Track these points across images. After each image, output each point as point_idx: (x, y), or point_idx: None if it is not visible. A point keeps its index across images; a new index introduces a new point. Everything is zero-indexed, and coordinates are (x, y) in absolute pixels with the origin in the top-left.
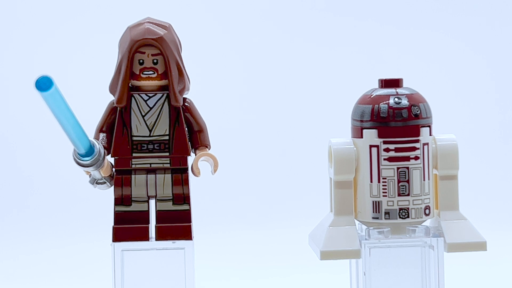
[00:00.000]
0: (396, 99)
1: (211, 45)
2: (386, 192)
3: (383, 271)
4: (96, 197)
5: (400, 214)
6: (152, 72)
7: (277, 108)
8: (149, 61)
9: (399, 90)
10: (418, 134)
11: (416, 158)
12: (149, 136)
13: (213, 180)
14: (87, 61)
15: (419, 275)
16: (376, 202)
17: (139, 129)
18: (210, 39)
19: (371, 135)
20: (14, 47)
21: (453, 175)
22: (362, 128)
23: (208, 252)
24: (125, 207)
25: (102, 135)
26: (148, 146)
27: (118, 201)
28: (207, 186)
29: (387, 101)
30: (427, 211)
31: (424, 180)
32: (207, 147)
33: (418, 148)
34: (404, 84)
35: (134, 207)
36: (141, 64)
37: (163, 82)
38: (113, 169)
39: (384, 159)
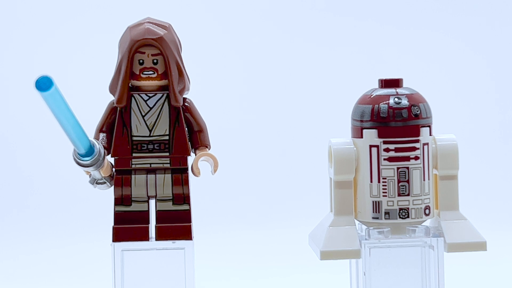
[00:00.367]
0: (396, 99)
1: (211, 45)
2: (386, 192)
3: (383, 271)
4: (96, 197)
5: (400, 214)
6: (152, 72)
7: (277, 108)
8: (149, 61)
9: (399, 90)
10: (418, 134)
11: (416, 158)
12: (149, 136)
13: (213, 180)
14: (87, 61)
15: (419, 275)
16: (376, 202)
17: (139, 129)
18: (210, 39)
19: (371, 135)
20: (14, 47)
21: (453, 175)
22: (362, 128)
23: (208, 252)
24: (125, 207)
25: (102, 135)
26: (148, 146)
27: (118, 201)
28: (207, 186)
29: (387, 101)
30: (427, 211)
31: (424, 180)
32: (207, 147)
33: (418, 148)
34: (404, 84)
35: (134, 207)
36: (141, 64)
37: (163, 82)
38: (113, 169)
39: (384, 159)
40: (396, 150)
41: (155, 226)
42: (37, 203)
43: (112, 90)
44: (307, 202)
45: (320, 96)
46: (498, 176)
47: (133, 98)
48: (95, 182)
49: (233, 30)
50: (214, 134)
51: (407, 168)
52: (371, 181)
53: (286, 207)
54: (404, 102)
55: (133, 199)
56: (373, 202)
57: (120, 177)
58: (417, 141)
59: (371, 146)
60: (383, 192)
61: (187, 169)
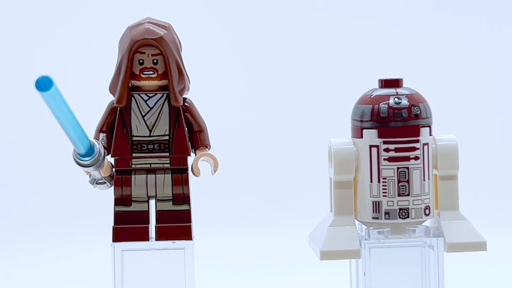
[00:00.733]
0: (396, 99)
1: (211, 45)
2: (386, 192)
3: (383, 271)
4: (96, 197)
5: (400, 214)
6: (152, 72)
7: (277, 108)
8: (149, 61)
9: (399, 90)
10: (418, 134)
11: (416, 158)
12: (149, 136)
13: (213, 180)
14: (87, 61)
15: (419, 275)
16: (376, 202)
17: (139, 129)
18: (210, 39)
19: (371, 135)
20: (14, 47)
21: (453, 175)
22: (362, 128)
23: (208, 252)
24: (125, 207)
25: (102, 135)
26: (148, 146)
27: (118, 201)
28: (207, 186)
29: (387, 101)
30: (427, 211)
31: (424, 180)
32: (207, 147)
33: (418, 148)
34: (404, 84)
35: (134, 207)
36: (141, 64)
37: (163, 82)
38: (113, 169)
39: (384, 159)
40: (396, 150)
41: (155, 226)
42: (37, 203)
43: (112, 90)
44: (307, 202)
45: (320, 96)
46: (498, 176)
47: (133, 98)
48: (95, 182)
49: (233, 30)
50: (214, 134)
51: (407, 168)
52: (371, 181)
53: (286, 207)
54: (404, 102)
55: (133, 199)
56: (373, 202)
57: (120, 177)
58: (417, 141)
59: (371, 146)
60: (383, 192)
61: (187, 169)
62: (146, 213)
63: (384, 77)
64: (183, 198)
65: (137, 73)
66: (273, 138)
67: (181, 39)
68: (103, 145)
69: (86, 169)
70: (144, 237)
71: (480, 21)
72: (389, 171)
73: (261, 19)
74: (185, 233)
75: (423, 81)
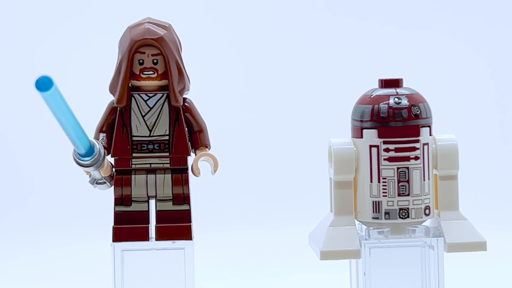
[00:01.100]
0: (396, 99)
1: (211, 45)
2: (386, 192)
3: (383, 271)
4: (96, 197)
5: (400, 214)
6: (152, 72)
7: (277, 108)
8: (149, 61)
9: (399, 90)
10: (418, 134)
11: (416, 158)
12: (149, 136)
13: (213, 180)
14: (87, 61)
15: (419, 275)
16: (376, 202)
17: (139, 129)
18: (210, 39)
19: (371, 135)
20: (14, 47)
21: (453, 175)
22: (362, 128)
23: (208, 252)
24: (125, 207)
25: (102, 135)
26: (148, 146)
27: (118, 201)
28: (207, 186)
29: (387, 101)
30: (427, 211)
31: (424, 180)
32: (207, 147)
33: (418, 148)
34: (404, 84)
35: (134, 207)
36: (141, 64)
37: (163, 82)
38: (113, 169)
39: (384, 159)
40: (396, 150)
41: (155, 226)
42: (37, 203)
43: (112, 90)
44: (307, 202)
45: (320, 96)
46: (498, 176)
47: (133, 98)
48: (95, 182)
49: (233, 30)
50: (214, 134)
51: (407, 168)
52: (371, 181)
53: (286, 207)
54: (404, 102)
55: (133, 199)
56: (373, 202)
57: (120, 177)
58: (417, 141)
59: (371, 146)
60: (383, 192)
61: (187, 169)
62: (146, 213)
63: (384, 77)
64: (183, 198)
65: (137, 73)
66: (273, 138)
67: (181, 39)
68: (103, 145)
69: (86, 169)
70: (144, 237)
71: (480, 21)
72: (389, 171)
73: (261, 19)
74: (185, 233)
75: (423, 81)
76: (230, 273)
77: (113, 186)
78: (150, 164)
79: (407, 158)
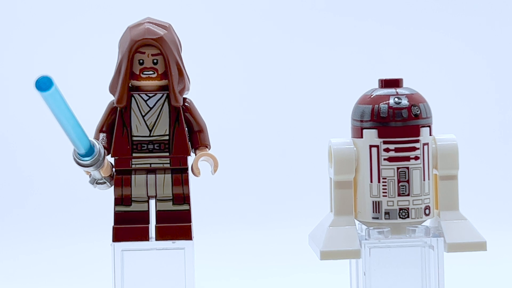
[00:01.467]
0: (396, 99)
1: (211, 45)
2: (386, 192)
3: (383, 271)
4: (96, 197)
5: (400, 214)
6: (152, 72)
7: (277, 108)
8: (149, 61)
9: (399, 90)
10: (418, 134)
11: (416, 158)
12: (149, 136)
13: (213, 180)
14: (87, 61)
15: (419, 275)
16: (376, 202)
17: (139, 129)
18: (210, 39)
19: (371, 135)
20: (14, 47)
21: (453, 175)
22: (362, 128)
23: (208, 252)
24: (125, 207)
25: (102, 135)
26: (148, 146)
27: (118, 201)
28: (207, 186)
29: (387, 101)
30: (427, 211)
31: (424, 180)
32: (207, 147)
33: (418, 148)
34: (404, 84)
35: (134, 207)
36: (141, 64)
37: (163, 82)
38: (113, 169)
39: (384, 159)
40: (396, 150)
41: (155, 226)
42: (37, 203)
43: (112, 90)
44: (307, 202)
45: (320, 96)
46: (498, 176)
47: (133, 98)
48: (95, 182)
49: (233, 30)
50: (214, 134)
51: (407, 168)
52: (371, 181)
53: (286, 207)
54: (404, 102)
55: (133, 199)
56: (373, 202)
57: (120, 177)
58: (417, 141)
59: (371, 146)
60: (383, 192)
61: (187, 169)
62: (146, 213)
63: (384, 77)
64: (183, 198)
65: (137, 73)
66: (273, 138)
67: (181, 39)
68: (103, 145)
69: (86, 169)
70: (144, 237)
71: (480, 21)
72: (389, 171)
73: (261, 19)
74: (185, 233)
75: (423, 81)
76: (230, 273)
77: (113, 186)
78: (150, 164)
79: (407, 158)
